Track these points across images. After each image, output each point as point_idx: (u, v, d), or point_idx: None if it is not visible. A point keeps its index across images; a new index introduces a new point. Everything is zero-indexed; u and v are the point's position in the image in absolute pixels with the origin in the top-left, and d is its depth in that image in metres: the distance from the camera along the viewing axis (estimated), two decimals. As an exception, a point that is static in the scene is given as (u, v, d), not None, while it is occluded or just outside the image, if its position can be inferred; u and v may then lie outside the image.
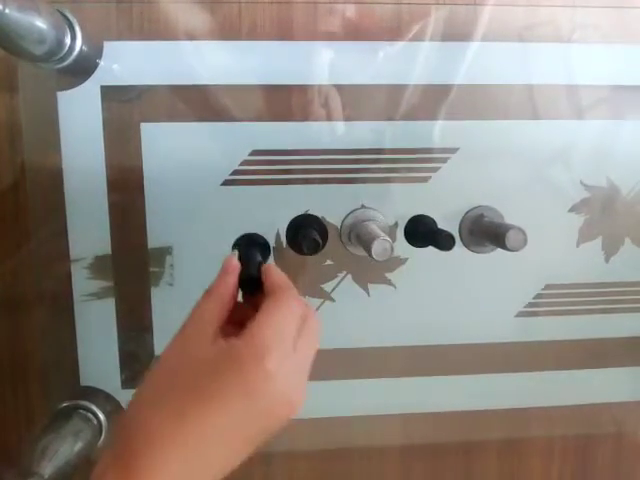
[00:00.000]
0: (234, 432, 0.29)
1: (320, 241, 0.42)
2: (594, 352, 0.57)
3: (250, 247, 0.41)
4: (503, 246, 0.46)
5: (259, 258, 0.39)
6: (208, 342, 0.31)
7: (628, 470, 0.61)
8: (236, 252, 0.37)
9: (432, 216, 0.52)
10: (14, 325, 0.52)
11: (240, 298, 0.36)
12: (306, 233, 0.44)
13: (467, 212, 0.53)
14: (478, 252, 0.54)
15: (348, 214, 0.52)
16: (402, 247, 0.53)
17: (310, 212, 0.52)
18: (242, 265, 0.35)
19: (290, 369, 0.30)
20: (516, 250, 0.46)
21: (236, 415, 0.29)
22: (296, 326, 0.32)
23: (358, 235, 0.49)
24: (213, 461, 0.29)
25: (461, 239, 0.53)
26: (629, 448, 0.61)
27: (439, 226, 0.52)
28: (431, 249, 0.49)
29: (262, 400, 0.29)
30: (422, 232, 0.51)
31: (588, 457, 0.61)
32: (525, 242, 0.45)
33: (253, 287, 0.35)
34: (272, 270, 0.35)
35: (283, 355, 0.30)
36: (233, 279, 0.34)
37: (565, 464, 0.60)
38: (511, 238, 0.46)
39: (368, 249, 0.44)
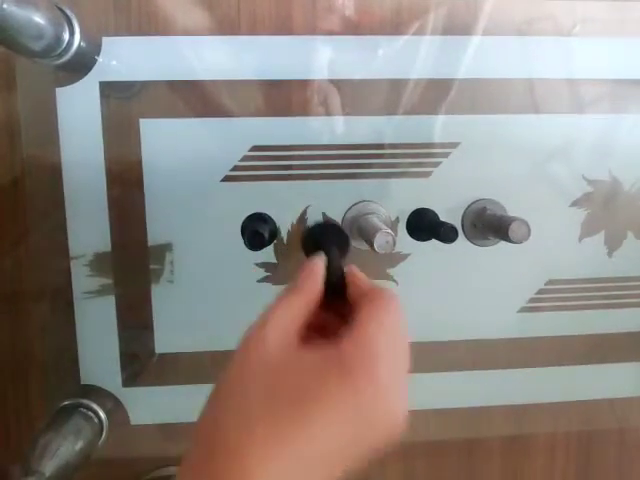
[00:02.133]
0: (341, 452, 0.25)
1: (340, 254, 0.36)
2: (597, 347, 0.57)
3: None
4: (506, 238, 0.46)
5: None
6: (293, 345, 0.27)
7: (631, 466, 0.61)
8: (323, 257, 0.32)
9: (434, 211, 0.52)
10: (14, 323, 0.52)
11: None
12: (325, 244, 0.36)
13: (469, 205, 0.53)
14: (481, 245, 0.53)
15: (350, 207, 0.52)
16: (404, 243, 0.52)
17: (311, 208, 0.51)
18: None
19: (399, 380, 0.27)
20: (519, 242, 0.45)
21: (346, 433, 0.25)
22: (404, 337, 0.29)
23: (360, 228, 0.49)
24: None
25: (464, 232, 0.53)
26: (632, 444, 0.61)
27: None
28: (433, 244, 0.49)
29: (373, 413, 0.25)
30: (424, 225, 0.51)
31: (591, 453, 0.60)
32: (528, 234, 0.45)
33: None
34: (361, 276, 0.32)
35: (393, 364, 0.27)
36: (321, 281, 0.30)
37: (568, 460, 0.60)
38: (514, 230, 0.45)
39: (370, 242, 0.43)
